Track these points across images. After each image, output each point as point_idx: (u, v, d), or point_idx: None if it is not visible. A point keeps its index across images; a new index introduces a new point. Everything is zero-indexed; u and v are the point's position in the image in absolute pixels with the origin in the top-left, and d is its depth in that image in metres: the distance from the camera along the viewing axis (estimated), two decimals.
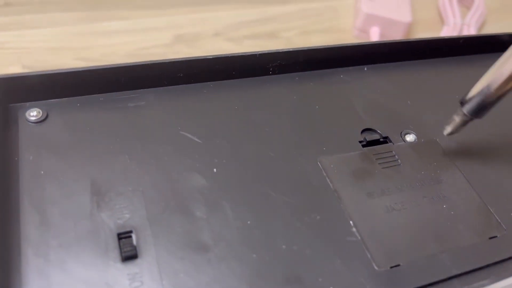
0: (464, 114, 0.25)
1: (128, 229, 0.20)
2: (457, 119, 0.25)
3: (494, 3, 0.54)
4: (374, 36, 0.42)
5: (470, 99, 0.24)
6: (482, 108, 0.24)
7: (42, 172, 0.21)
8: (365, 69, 0.31)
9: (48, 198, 0.20)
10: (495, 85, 0.23)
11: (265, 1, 0.48)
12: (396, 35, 0.43)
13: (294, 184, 0.23)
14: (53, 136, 0.23)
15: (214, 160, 0.23)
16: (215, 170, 0.23)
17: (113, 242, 0.19)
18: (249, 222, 0.21)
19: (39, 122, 0.23)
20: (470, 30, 0.47)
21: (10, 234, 0.19)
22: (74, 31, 0.40)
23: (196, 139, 0.24)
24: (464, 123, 0.25)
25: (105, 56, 0.39)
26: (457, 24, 0.47)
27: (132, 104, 0.25)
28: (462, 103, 0.25)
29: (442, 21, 0.49)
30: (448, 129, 0.26)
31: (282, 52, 0.28)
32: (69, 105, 0.24)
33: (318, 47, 0.29)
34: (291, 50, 0.28)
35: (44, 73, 0.24)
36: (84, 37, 0.39)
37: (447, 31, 0.47)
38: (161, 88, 0.26)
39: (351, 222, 0.22)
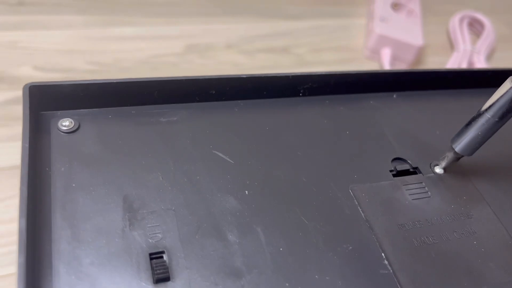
0: (456, 152, 0.25)
1: (160, 249, 0.20)
2: (449, 156, 0.26)
3: (503, 31, 0.54)
4: (385, 57, 0.42)
5: (460, 138, 0.25)
6: (472, 147, 0.25)
7: (74, 184, 0.21)
8: (394, 96, 0.31)
9: (80, 213, 0.20)
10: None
11: (278, 16, 0.48)
12: (407, 58, 0.44)
13: (326, 212, 0.23)
14: (85, 148, 0.23)
15: (246, 182, 0.23)
16: (247, 192, 0.23)
17: (145, 263, 0.19)
18: (281, 248, 0.21)
19: (71, 132, 0.23)
20: (480, 57, 0.48)
21: (42, 249, 0.18)
22: (87, 35, 0.40)
23: (228, 159, 0.24)
24: (456, 159, 0.26)
25: (117, 61, 0.38)
26: (467, 50, 0.47)
27: (164, 119, 0.25)
28: (453, 141, 0.25)
29: (452, 46, 0.50)
30: (442, 165, 0.27)
31: (315, 75, 0.28)
32: (100, 116, 0.24)
33: (349, 72, 0.29)
34: (323, 73, 0.28)
35: (77, 82, 0.24)
36: (96, 41, 0.39)
37: (457, 57, 0.47)
38: (193, 104, 0.26)
39: (383, 254, 0.22)
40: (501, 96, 0.23)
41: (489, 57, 0.50)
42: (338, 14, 0.51)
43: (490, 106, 0.23)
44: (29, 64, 0.36)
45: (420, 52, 0.45)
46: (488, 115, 0.23)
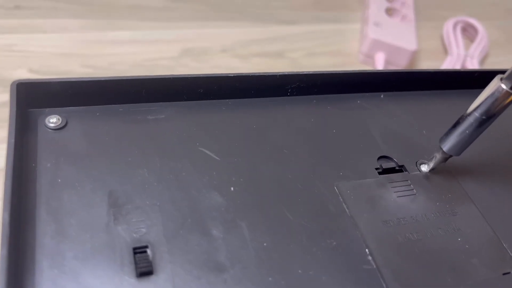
0: (444, 152, 0.25)
1: (144, 244, 0.20)
2: (437, 156, 0.26)
3: (496, 37, 0.55)
4: (379, 61, 0.43)
5: (448, 138, 0.25)
6: (460, 147, 0.25)
7: (60, 180, 0.21)
8: (382, 96, 0.31)
9: (65, 208, 0.20)
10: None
11: (273, 21, 0.48)
12: (401, 62, 0.44)
13: (311, 208, 0.23)
14: (72, 144, 0.23)
15: (232, 178, 0.23)
16: (232, 188, 0.23)
17: (129, 257, 0.19)
18: (265, 244, 0.21)
19: (58, 129, 0.23)
20: (473, 62, 0.48)
21: (25, 243, 0.19)
22: (83, 38, 0.40)
23: (214, 156, 0.24)
24: (444, 160, 0.26)
25: (113, 65, 0.38)
26: (460, 55, 0.48)
27: (152, 116, 0.25)
28: (442, 141, 0.25)
29: (445, 51, 0.50)
30: (430, 165, 0.27)
31: (302, 74, 0.28)
32: (88, 114, 0.24)
33: (337, 72, 0.29)
34: (310, 73, 0.28)
35: (65, 80, 0.24)
36: (92, 45, 0.40)
37: (451, 62, 0.47)
38: (181, 102, 0.26)
39: (367, 250, 0.22)
40: (490, 95, 0.23)
41: (482, 62, 0.51)
42: (333, 19, 0.51)
43: (478, 105, 0.23)
44: (25, 67, 0.36)
45: (414, 57, 0.45)
46: (476, 114, 0.23)
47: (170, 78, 0.25)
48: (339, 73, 0.29)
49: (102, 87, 0.24)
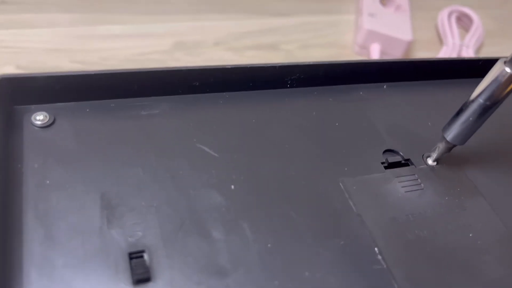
0: (447, 141, 0.24)
1: (140, 249, 0.18)
2: (441, 146, 0.25)
3: (491, 26, 0.54)
4: (374, 52, 0.42)
5: (452, 126, 0.24)
6: (464, 136, 0.24)
7: (48, 181, 0.20)
8: (384, 86, 0.30)
9: (54, 211, 0.19)
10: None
11: (267, 12, 0.47)
12: (396, 53, 0.43)
13: (315, 206, 0.22)
14: (61, 143, 0.21)
15: (232, 176, 0.22)
16: (232, 187, 0.22)
17: (124, 263, 0.18)
18: (269, 245, 0.20)
19: (46, 126, 0.22)
20: (469, 51, 0.47)
21: (11, 251, 0.17)
22: (72, 33, 0.39)
23: (213, 153, 0.23)
24: (448, 150, 0.25)
25: (103, 59, 0.37)
26: (456, 45, 0.47)
27: (145, 112, 0.24)
28: (445, 130, 0.24)
29: (441, 41, 0.50)
30: (433, 157, 0.26)
31: (302, 65, 0.27)
32: (78, 110, 0.23)
33: (338, 62, 0.28)
34: (312, 63, 0.27)
35: (52, 74, 0.22)
36: (82, 40, 0.38)
37: (446, 52, 0.47)
38: (176, 96, 0.25)
39: (376, 249, 0.21)
40: (494, 79, 0.22)
41: (477, 51, 0.50)
42: (327, 10, 0.50)
43: (482, 91, 0.22)
44: (13, 63, 0.35)
45: (409, 47, 0.45)
46: (480, 100, 0.22)
47: (163, 71, 0.24)
48: (341, 63, 0.28)
49: (91, 82, 0.23)
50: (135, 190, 0.20)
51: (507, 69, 0.21)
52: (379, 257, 0.21)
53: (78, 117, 0.23)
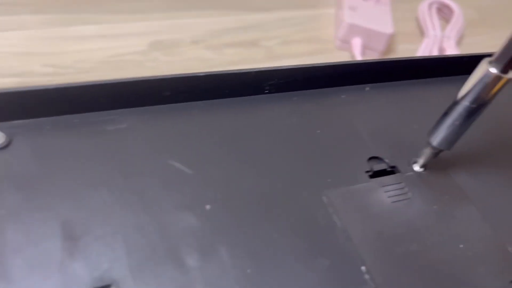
0: (433, 147, 0.23)
1: (106, 283, 0.17)
2: (427, 151, 0.24)
3: (472, 16, 0.54)
4: (356, 47, 0.41)
5: (437, 131, 0.23)
6: (450, 140, 0.22)
7: (2, 211, 0.18)
8: (367, 88, 0.28)
9: (9, 245, 0.17)
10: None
11: (246, 8, 0.46)
12: (378, 46, 0.43)
13: (298, 223, 0.20)
14: (18, 166, 0.19)
15: (207, 194, 0.20)
16: (208, 207, 0.20)
17: None
18: (249, 270, 0.18)
19: (1, 148, 0.20)
20: (450, 42, 0.47)
21: None
22: (44, 35, 0.37)
23: (186, 169, 0.21)
24: (435, 155, 0.24)
25: (77, 62, 0.36)
26: (437, 37, 0.47)
27: (112, 127, 0.22)
28: (430, 134, 0.23)
29: (422, 33, 0.49)
30: (420, 162, 0.24)
31: (280, 69, 0.25)
32: (37, 128, 0.21)
33: (318, 65, 0.26)
34: (290, 67, 0.26)
35: (6, 91, 0.20)
36: (54, 42, 0.36)
37: (428, 43, 0.46)
38: (145, 108, 0.23)
39: (363, 267, 0.20)
40: (479, 80, 0.20)
41: (459, 42, 0.50)
42: (307, 5, 0.49)
43: (467, 93, 0.21)
44: None
45: (391, 40, 0.44)
46: (466, 103, 0.21)
47: (131, 81, 0.22)
48: (321, 66, 0.26)
49: (51, 96, 0.21)
50: (99, 216, 0.18)
51: (492, 70, 0.20)
52: (367, 276, 0.19)
53: (37, 136, 0.21)
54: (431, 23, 0.48)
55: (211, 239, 0.19)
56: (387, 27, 0.42)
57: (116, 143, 0.21)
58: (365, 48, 0.42)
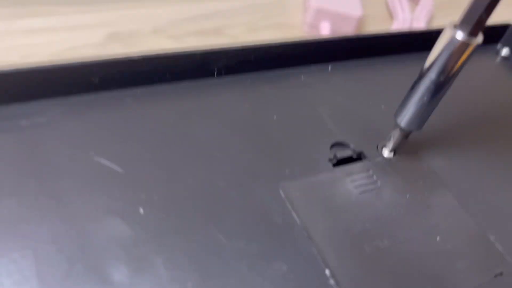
0: (402, 128, 0.21)
1: None
2: (395, 134, 0.21)
3: None
4: (325, 31, 0.40)
5: (404, 110, 0.20)
6: (420, 119, 0.20)
7: None
8: (329, 68, 0.26)
9: None
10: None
11: None
12: (347, 30, 0.42)
13: (250, 223, 0.17)
14: None
15: (141, 196, 0.17)
16: (142, 210, 0.17)
17: None
18: (190, 284, 0.15)
19: None
20: (420, 24, 0.47)
21: None
22: None
23: (116, 168, 0.18)
24: (405, 137, 0.21)
25: (25, 57, 0.33)
26: (406, 19, 0.46)
27: (27, 122, 0.19)
28: (397, 115, 0.20)
29: (391, 16, 0.48)
30: (389, 147, 0.22)
31: (229, 49, 0.23)
32: None
33: (272, 43, 0.24)
34: (240, 47, 0.23)
35: None
36: (0, 36, 0.34)
37: (397, 26, 0.46)
38: (69, 98, 0.20)
39: (327, 271, 0.17)
40: (444, 48, 0.18)
41: (428, 24, 0.49)
42: None
43: (432, 64, 0.18)
44: None
45: (360, 24, 0.42)
46: (432, 76, 0.18)
47: (48, 67, 0.19)
48: (277, 45, 0.24)
49: None
50: (5, 231, 0.15)
51: (458, 34, 0.17)
52: (332, 281, 0.17)
53: None
54: (400, 5, 0.48)
55: (144, 249, 0.16)
56: (355, 10, 0.41)
57: (32, 141, 0.18)
58: (334, 32, 0.41)
